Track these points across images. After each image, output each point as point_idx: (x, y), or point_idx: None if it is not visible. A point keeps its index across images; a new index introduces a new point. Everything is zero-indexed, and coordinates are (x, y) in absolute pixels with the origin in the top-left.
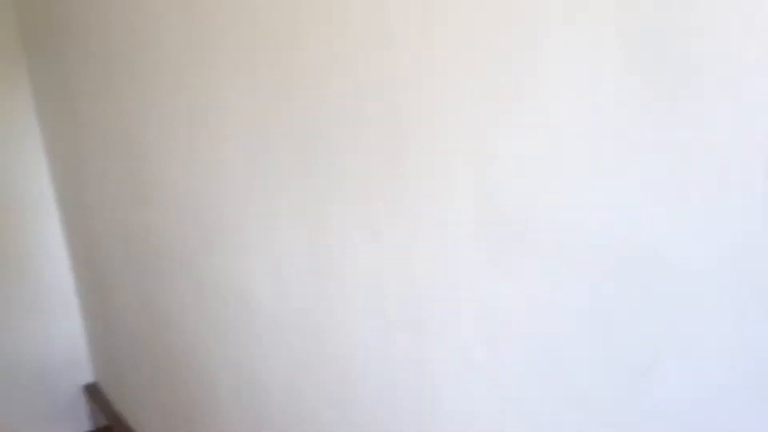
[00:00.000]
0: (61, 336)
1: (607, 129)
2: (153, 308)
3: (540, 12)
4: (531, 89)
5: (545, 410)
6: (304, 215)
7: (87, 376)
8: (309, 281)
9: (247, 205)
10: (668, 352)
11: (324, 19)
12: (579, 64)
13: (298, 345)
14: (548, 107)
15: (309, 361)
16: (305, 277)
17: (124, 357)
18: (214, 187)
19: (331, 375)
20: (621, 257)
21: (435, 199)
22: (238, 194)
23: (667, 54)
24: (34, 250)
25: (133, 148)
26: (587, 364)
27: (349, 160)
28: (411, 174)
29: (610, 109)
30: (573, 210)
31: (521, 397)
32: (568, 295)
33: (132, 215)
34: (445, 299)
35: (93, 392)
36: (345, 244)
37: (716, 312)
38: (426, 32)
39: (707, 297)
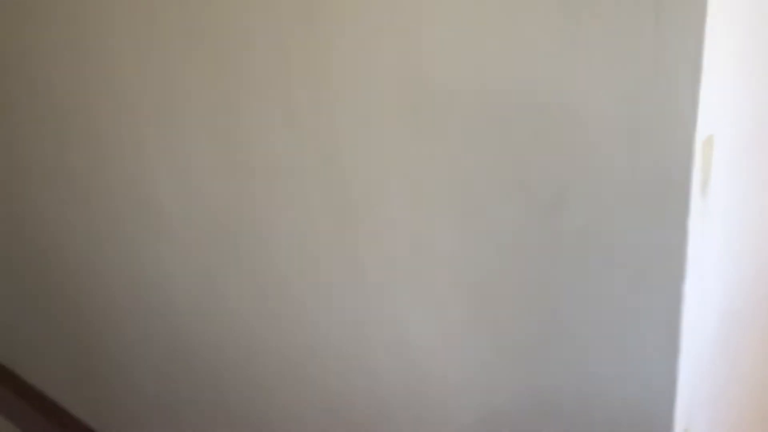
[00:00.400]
0: None
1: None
2: (30, 237)
3: None
4: None
5: (464, 250)
6: (211, 110)
7: None
8: (221, 181)
9: (141, 104)
10: (572, 191)
11: None
12: None
13: (212, 251)
14: None
15: (225, 266)
16: (217, 177)
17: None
18: (102, 87)
19: (249, 276)
20: (532, 111)
21: (358, 83)
22: (129, 94)
23: None
24: None
25: None
26: (504, 206)
27: (261, 44)
28: (334, 59)
29: None
30: (490, 77)
31: (444, 250)
32: (487, 153)
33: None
34: (370, 179)
35: None
36: (260, 136)
37: (612, 155)
38: None
39: (603, 142)
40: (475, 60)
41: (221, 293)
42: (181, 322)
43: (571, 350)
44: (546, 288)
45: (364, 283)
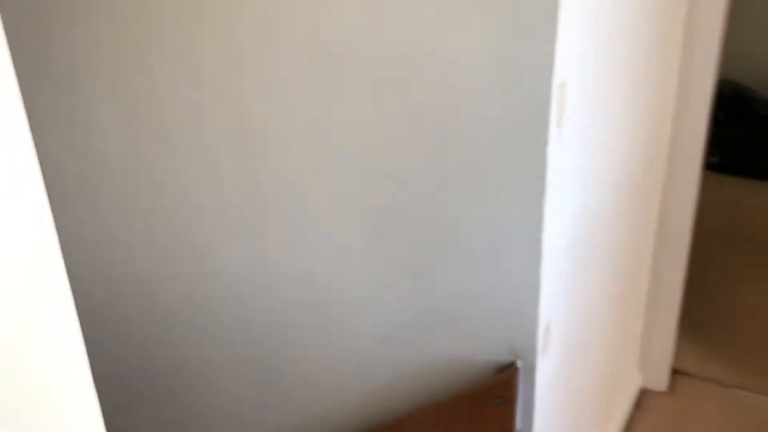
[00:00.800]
0: None
1: None
2: None
3: None
4: None
5: (363, 185)
6: (119, 68)
7: None
8: (125, 134)
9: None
10: (455, 132)
11: None
12: None
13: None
14: None
15: (147, 204)
16: (122, 132)
17: None
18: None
19: (159, 197)
20: (421, 69)
21: (267, 47)
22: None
23: None
24: None
25: None
26: (398, 148)
27: (169, 16)
28: (243, 21)
29: None
30: (386, 40)
31: (346, 184)
32: (385, 105)
33: None
34: (279, 130)
35: None
36: (167, 90)
37: (486, 100)
38: None
39: (478, 90)
40: (372, 25)
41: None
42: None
43: (457, 264)
44: (435, 213)
45: (267, 211)
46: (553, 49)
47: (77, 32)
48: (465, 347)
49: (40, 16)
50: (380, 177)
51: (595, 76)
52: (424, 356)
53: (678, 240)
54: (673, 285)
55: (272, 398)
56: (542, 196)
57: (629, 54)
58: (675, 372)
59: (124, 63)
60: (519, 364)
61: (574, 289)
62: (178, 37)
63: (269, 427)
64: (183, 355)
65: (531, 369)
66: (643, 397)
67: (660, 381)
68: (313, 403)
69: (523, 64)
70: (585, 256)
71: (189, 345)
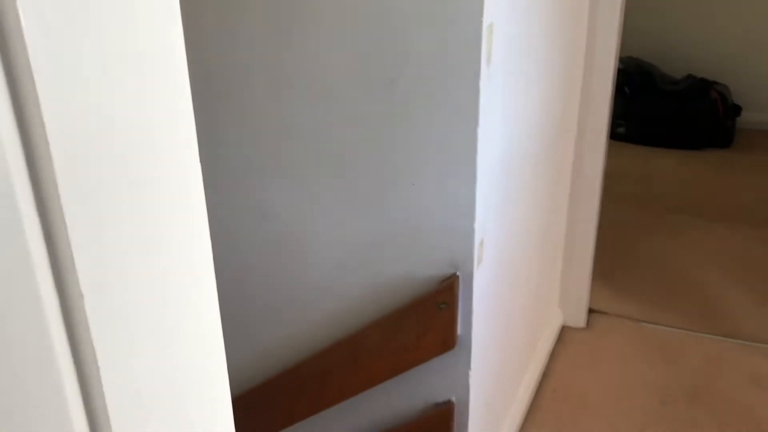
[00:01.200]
0: None
1: None
2: None
3: None
4: None
5: (319, 123)
6: None
7: None
8: None
9: None
10: (401, 72)
11: None
12: None
13: None
14: None
15: None
16: None
17: None
18: None
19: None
20: (365, 12)
21: None
22: None
23: None
24: None
25: None
26: (353, 89)
27: None
28: None
29: None
30: None
31: (309, 124)
32: (341, 51)
33: None
34: (237, 66)
35: None
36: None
37: (425, 43)
38: None
39: (419, 35)
40: None
41: None
42: None
43: (405, 192)
44: (384, 147)
45: (225, 152)
46: None
47: None
48: (413, 265)
49: None
50: (335, 117)
51: (521, 23)
52: (377, 277)
53: (589, 199)
54: (586, 238)
55: (238, 330)
56: (475, 125)
57: (551, 11)
58: (591, 311)
59: None
60: (459, 274)
61: (503, 212)
62: None
63: (236, 355)
64: None
65: (469, 279)
66: (564, 333)
67: (578, 319)
68: (277, 328)
69: (456, 8)
70: (512, 186)
71: None
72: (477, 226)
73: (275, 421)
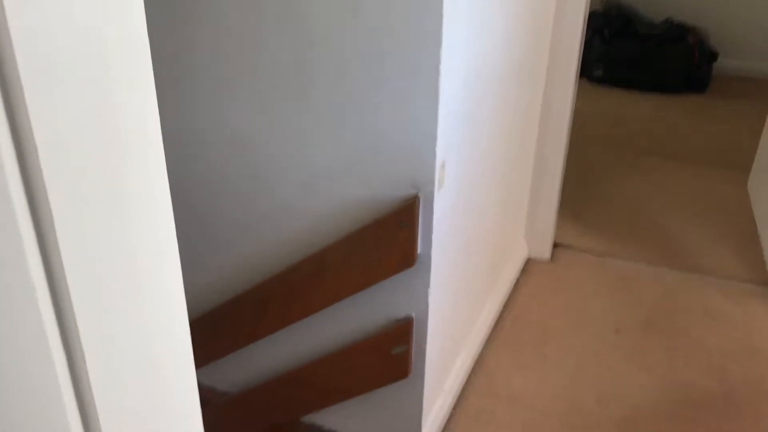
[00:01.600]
0: None
1: None
2: None
3: None
4: None
5: (285, 47)
6: None
7: None
8: None
9: None
10: (365, 4)
11: None
12: None
13: None
14: None
15: None
16: None
17: None
18: None
19: None
20: None
21: None
22: None
23: None
24: None
25: None
26: (317, 13)
27: None
28: None
29: None
30: None
31: (270, 50)
32: None
33: None
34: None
35: None
36: None
37: None
38: None
39: None
40: None
41: None
42: None
43: (368, 114)
44: (349, 70)
45: (196, 80)
46: None
47: None
48: (375, 186)
49: None
50: (303, 42)
51: None
52: (341, 197)
53: (557, 135)
54: (553, 174)
55: (207, 248)
56: (438, 49)
57: None
58: (556, 245)
59: None
60: (420, 195)
61: (467, 138)
62: None
63: (208, 274)
64: None
65: (430, 200)
66: (529, 265)
67: (543, 252)
68: (246, 246)
69: None
70: (476, 114)
71: None
72: (439, 149)
73: (241, 336)
